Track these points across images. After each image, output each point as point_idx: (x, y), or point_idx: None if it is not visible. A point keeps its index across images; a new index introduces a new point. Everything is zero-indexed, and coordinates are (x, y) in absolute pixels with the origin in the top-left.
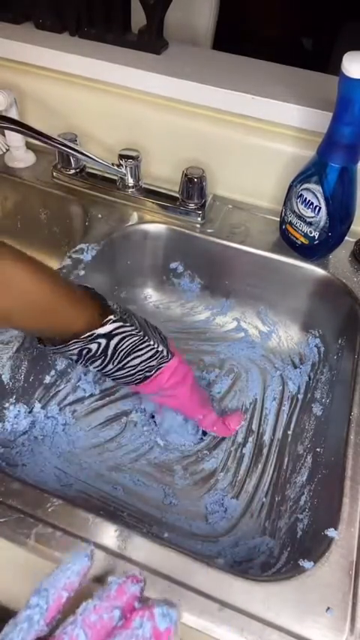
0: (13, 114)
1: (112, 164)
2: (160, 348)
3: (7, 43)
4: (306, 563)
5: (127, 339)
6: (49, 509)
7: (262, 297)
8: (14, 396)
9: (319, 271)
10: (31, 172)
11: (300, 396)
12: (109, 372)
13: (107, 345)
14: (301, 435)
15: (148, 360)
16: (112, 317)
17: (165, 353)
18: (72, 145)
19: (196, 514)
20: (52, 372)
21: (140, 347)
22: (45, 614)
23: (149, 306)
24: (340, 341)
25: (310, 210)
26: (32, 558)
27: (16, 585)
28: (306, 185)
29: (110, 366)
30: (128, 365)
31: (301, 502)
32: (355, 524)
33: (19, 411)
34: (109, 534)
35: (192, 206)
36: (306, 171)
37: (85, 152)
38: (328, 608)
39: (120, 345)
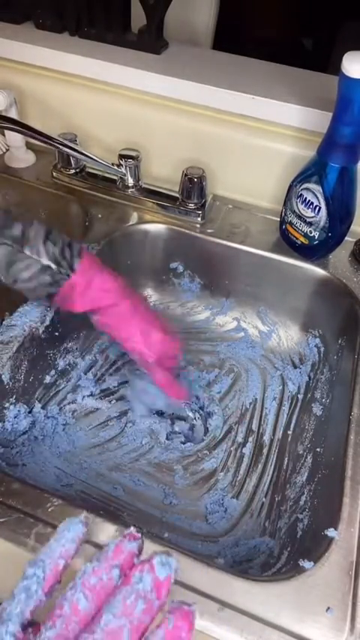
0: (13, 114)
1: (112, 164)
2: (45, 263)
3: (7, 43)
4: (306, 563)
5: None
6: (49, 509)
7: (262, 297)
8: (14, 396)
9: (319, 271)
10: (31, 172)
11: (300, 396)
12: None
13: None
14: (301, 435)
15: (39, 275)
16: None
17: (58, 269)
18: (72, 145)
19: (196, 514)
20: (52, 372)
21: (19, 259)
22: (43, 583)
23: (149, 306)
24: (340, 341)
25: (310, 210)
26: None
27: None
28: (306, 185)
29: (3, 279)
30: (20, 278)
31: (301, 502)
32: (355, 524)
33: (19, 411)
34: (109, 534)
35: (192, 206)
36: (306, 171)
37: (85, 152)
38: (328, 608)
39: None
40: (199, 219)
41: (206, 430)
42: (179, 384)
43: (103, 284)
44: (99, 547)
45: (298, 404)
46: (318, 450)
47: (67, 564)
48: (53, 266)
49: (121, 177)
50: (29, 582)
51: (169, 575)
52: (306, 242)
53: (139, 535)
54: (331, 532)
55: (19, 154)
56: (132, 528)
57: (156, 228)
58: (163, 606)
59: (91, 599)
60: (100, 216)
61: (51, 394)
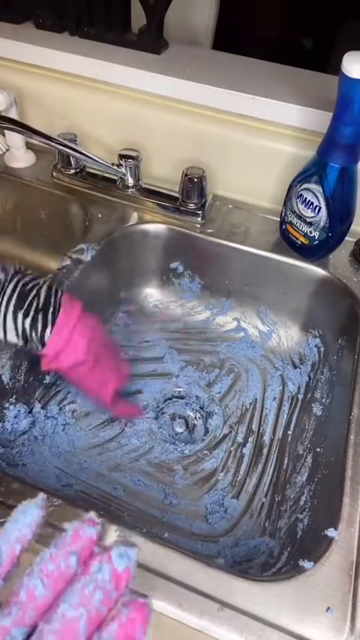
0: (13, 114)
1: (112, 164)
2: (12, 341)
3: (7, 43)
4: (306, 563)
5: None
6: (49, 509)
7: (262, 297)
8: (14, 396)
9: (319, 271)
10: (31, 172)
11: (300, 396)
12: None
13: None
14: (301, 435)
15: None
16: None
17: (27, 345)
18: (72, 145)
19: (196, 514)
20: (52, 372)
21: None
22: None
23: (149, 306)
24: (340, 341)
25: (310, 210)
26: (32, 558)
27: None
28: (306, 185)
29: None
30: None
31: (301, 502)
32: (355, 524)
33: (19, 411)
34: (109, 534)
35: (192, 206)
36: (306, 171)
37: (85, 152)
38: (328, 608)
39: None
40: (199, 219)
41: (206, 430)
42: (129, 404)
43: (77, 343)
44: (99, 547)
45: (298, 404)
46: (318, 450)
47: (23, 549)
48: (20, 343)
49: (121, 177)
50: None
51: (127, 567)
52: (306, 242)
53: (98, 521)
54: (331, 532)
55: (19, 154)
56: (91, 513)
57: (156, 228)
58: (120, 596)
59: (48, 586)
60: (100, 216)
61: (51, 394)
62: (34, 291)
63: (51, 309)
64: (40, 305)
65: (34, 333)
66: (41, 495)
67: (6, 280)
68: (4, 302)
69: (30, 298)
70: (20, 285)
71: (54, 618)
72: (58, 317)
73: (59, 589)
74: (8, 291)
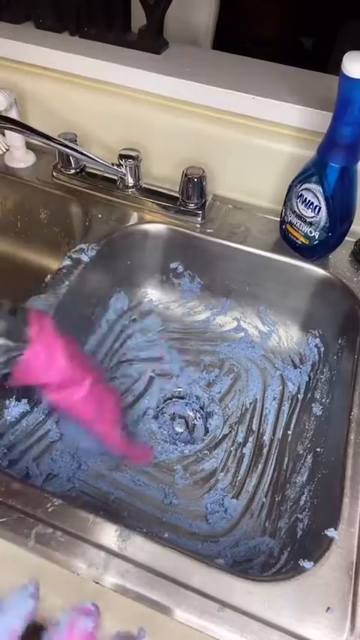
0: (13, 114)
1: (112, 164)
2: None
3: (7, 43)
4: (306, 563)
5: None
6: (49, 509)
7: (262, 297)
8: (14, 396)
9: (319, 271)
10: (31, 172)
11: (300, 396)
12: None
13: None
14: (301, 434)
15: None
16: None
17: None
18: (72, 145)
19: (196, 514)
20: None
21: None
22: None
23: (149, 306)
24: (340, 341)
25: (310, 210)
26: (32, 558)
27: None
28: (306, 185)
29: None
30: None
31: (301, 502)
32: (355, 524)
33: (19, 410)
34: (109, 534)
35: (192, 206)
36: (306, 171)
37: (85, 152)
38: (328, 608)
39: None
40: (199, 219)
41: (206, 430)
42: (139, 446)
43: (54, 358)
44: (100, 548)
45: (298, 404)
46: (318, 450)
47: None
48: (1, 342)
49: (121, 177)
50: None
51: None
52: (306, 242)
53: (94, 609)
54: (331, 532)
55: (19, 154)
56: (88, 603)
57: (156, 228)
58: None
59: None
60: (100, 216)
61: None
62: None
63: (20, 313)
64: (7, 307)
65: (15, 329)
66: (33, 583)
67: None
68: None
69: None
70: None
71: None
72: (29, 332)
73: None
74: None
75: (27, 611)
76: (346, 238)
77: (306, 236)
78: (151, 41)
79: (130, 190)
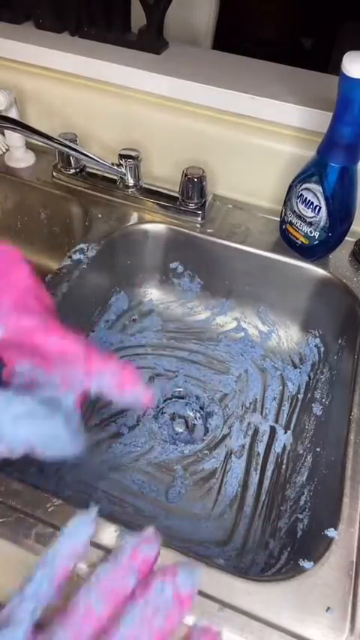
0: (13, 114)
1: (112, 164)
2: None
3: (7, 43)
4: (306, 563)
5: None
6: (49, 509)
7: (262, 297)
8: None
9: (319, 271)
10: (31, 172)
11: (300, 396)
12: None
13: None
14: (301, 435)
15: None
16: None
17: None
18: (72, 145)
19: (196, 514)
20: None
21: None
22: (53, 584)
23: (149, 306)
24: (340, 341)
25: (310, 210)
26: (32, 558)
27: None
28: (306, 185)
29: None
30: None
31: (301, 502)
32: (355, 524)
33: None
34: (109, 534)
35: (192, 206)
36: (306, 171)
37: (85, 152)
38: (328, 608)
39: None
40: (199, 219)
41: (206, 430)
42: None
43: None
44: (101, 548)
45: (298, 404)
46: (318, 450)
47: (74, 565)
48: None
49: (121, 177)
50: (40, 581)
51: (191, 590)
52: (306, 242)
53: (157, 540)
54: (331, 532)
55: (19, 154)
56: (150, 530)
57: (156, 228)
58: (182, 620)
59: (106, 604)
60: (100, 216)
61: None
62: None
63: None
64: None
65: None
66: (95, 511)
67: None
68: None
69: None
70: None
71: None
72: None
73: (116, 607)
74: None
75: (89, 533)
76: (346, 238)
77: (306, 236)
78: (151, 41)
79: (130, 190)
